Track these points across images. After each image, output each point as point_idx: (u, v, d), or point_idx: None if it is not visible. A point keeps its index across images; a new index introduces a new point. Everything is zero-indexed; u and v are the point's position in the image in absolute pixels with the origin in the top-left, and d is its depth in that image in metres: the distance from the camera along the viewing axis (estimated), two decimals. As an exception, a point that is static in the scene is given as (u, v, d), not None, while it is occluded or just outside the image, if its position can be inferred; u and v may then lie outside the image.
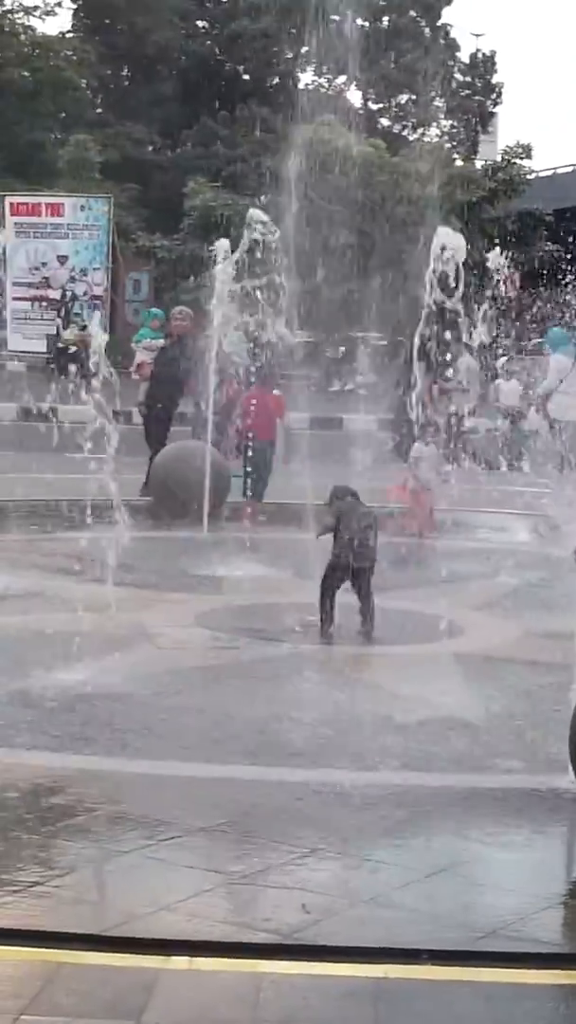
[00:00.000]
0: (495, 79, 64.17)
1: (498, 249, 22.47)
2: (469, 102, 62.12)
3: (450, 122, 62.73)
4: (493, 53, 64.22)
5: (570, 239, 43.10)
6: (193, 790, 6.14)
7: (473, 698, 7.81)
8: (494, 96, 63.79)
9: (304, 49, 58.87)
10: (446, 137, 61.10)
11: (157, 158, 54.74)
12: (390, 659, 8.89)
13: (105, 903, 4.88)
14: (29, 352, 41.17)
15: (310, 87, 61.09)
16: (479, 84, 63.39)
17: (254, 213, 14.61)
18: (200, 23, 60.49)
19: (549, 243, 44.43)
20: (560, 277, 35.49)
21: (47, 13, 56.72)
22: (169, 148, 55.72)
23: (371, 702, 7.66)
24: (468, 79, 63.45)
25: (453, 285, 13.08)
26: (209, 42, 59.57)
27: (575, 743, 5.90)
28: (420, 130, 60.36)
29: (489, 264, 19.96)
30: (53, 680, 7.62)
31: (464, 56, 64.01)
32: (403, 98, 62.44)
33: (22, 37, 54.16)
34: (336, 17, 60.25)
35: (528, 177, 46.30)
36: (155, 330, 19.54)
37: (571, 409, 20.81)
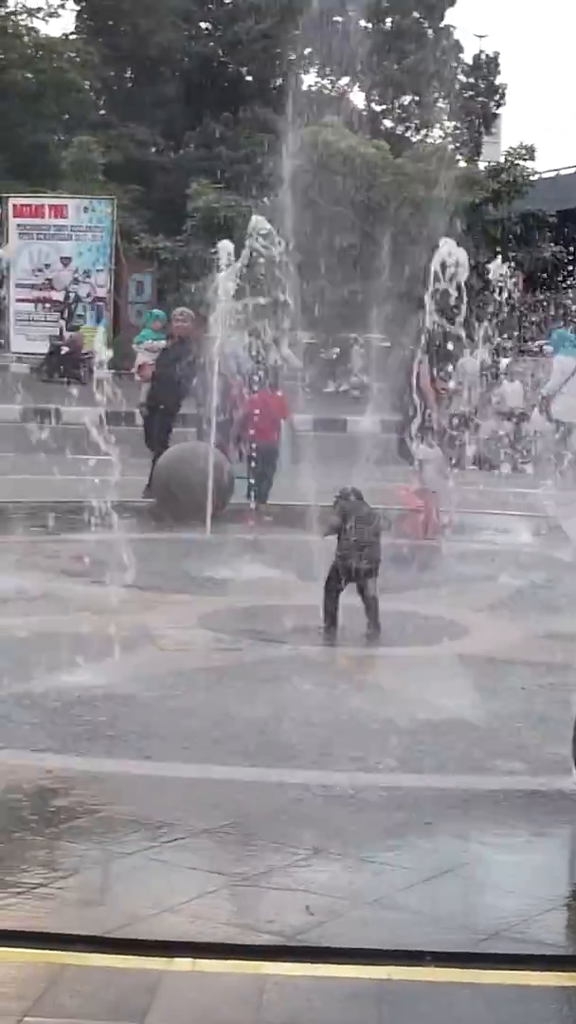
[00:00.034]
0: (498, 80, 64.17)
1: (500, 259, 22.56)
2: (472, 103, 62.06)
3: (453, 123, 62.68)
4: (496, 54, 64.20)
5: (573, 240, 43.18)
6: (196, 791, 6.15)
7: (476, 700, 7.81)
8: (497, 97, 63.77)
9: (307, 51, 58.93)
10: (449, 138, 61.08)
11: (160, 160, 54.73)
12: (393, 661, 8.89)
13: (108, 905, 4.88)
14: (32, 354, 41.20)
15: (313, 89, 61.15)
16: (482, 85, 63.36)
17: (257, 222, 14.60)
18: (203, 25, 60.49)
19: (552, 244, 44.43)
20: (563, 279, 35.53)
21: (50, 15, 56.77)
22: (172, 150, 55.71)
23: (374, 704, 7.66)
24: (471, 80, 63.41)
25: (455, 307, 13.14)
26: (212, 44, 59.56)
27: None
28: (423, 131, 60.34)
29: (491, 276, 20.04)
30: (56, 681, 7.63)
31: (467, 57, 64.01)
32: (406, 99, 62.42)
33: (25, 39, 54.18)
34: (339, 19, 60.34)
35: (531, 178, 46.30)
36: (156, 331, 19.54)
37: (574, 410, 20.85)
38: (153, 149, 55.77)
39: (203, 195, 43.76)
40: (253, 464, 14.85)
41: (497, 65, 64.05)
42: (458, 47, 62.99)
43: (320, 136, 42.70)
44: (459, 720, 7.31)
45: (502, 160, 48.74)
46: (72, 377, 35.83)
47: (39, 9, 56.27)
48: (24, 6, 55.87)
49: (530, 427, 22.78)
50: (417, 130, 60.96)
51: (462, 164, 51.37)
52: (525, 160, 46.89)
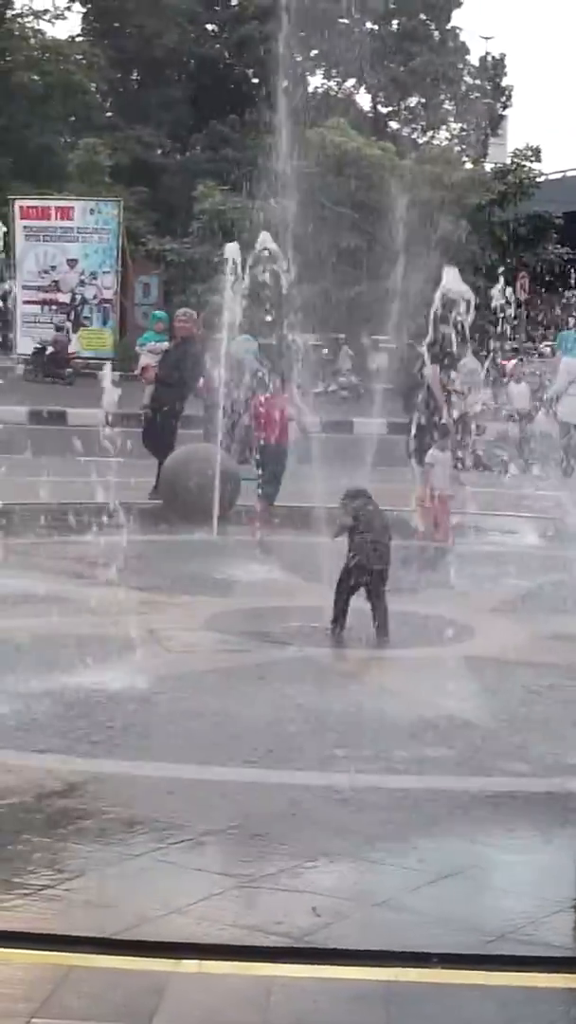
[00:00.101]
0: (505, 82, 64.23)
1: (502, 281, 22.71)
2: (478, 105, 62.12)
3: (459, 125, 62.75)
4: (503, 56, 64.32)
5: (579, 242, 43.15)
6: (203, 793, 6.15)
7: (483, 701, 7.80)
8: (504, 99, 63.82)
9: (313, 52, 58.96)
10: (455, 140, 61.13)
11: (166, 161, 54.81)
12: (400, 662, 8.88)
13: (115, 906, 4.88)
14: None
15: (319, 90, 61.20)
16: (488, 87, 63.41)
17: (264, 238, 14.58)
18: (209, 26, 60.58)
19: (559, 246, 44.41)
20: (570, 280, 35.49)
21: (57, 17, 57.02)
22: (178, 151, 55.79)
23: (381, 705, 7.65)
24: (477, 82, 63.47)
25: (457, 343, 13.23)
26: (218, 45, 59.65)
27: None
28: (430, 133, 60.40)
29: (493, 303, 20.14)
30: (62, 683, 7.63)
31: (474, 59, 64.08)
32: (412, 101, 62.48)
33: (32, 41, 54.30)
34: (345, 20, 60.36)
35: (537, 180, 46.29)
36: (159, 333, 19.54)
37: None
38: (159, 151, 55.85)
39: (209, 197, 43.79)
40: (261, 466, 14.84)
41: (503, 67, 64.13)
42: (464, 49, 63.04)
43: (327, 137, 42.74)
44: (466, 722, 7.31)
45: (508, 161, 48.74)
46: (56, 377, 35.86)
47: (45, 11, 56.56)
48: (30, 8, 56.10)
49: (535, 428, 22.76)
50: (423, 132, 61.01)
51: (468, 165, 51.38)
52: (531, 161, 46.94)
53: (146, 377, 17.68)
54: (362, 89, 64.09)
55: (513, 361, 25.48)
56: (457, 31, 62.91)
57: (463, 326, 12.95)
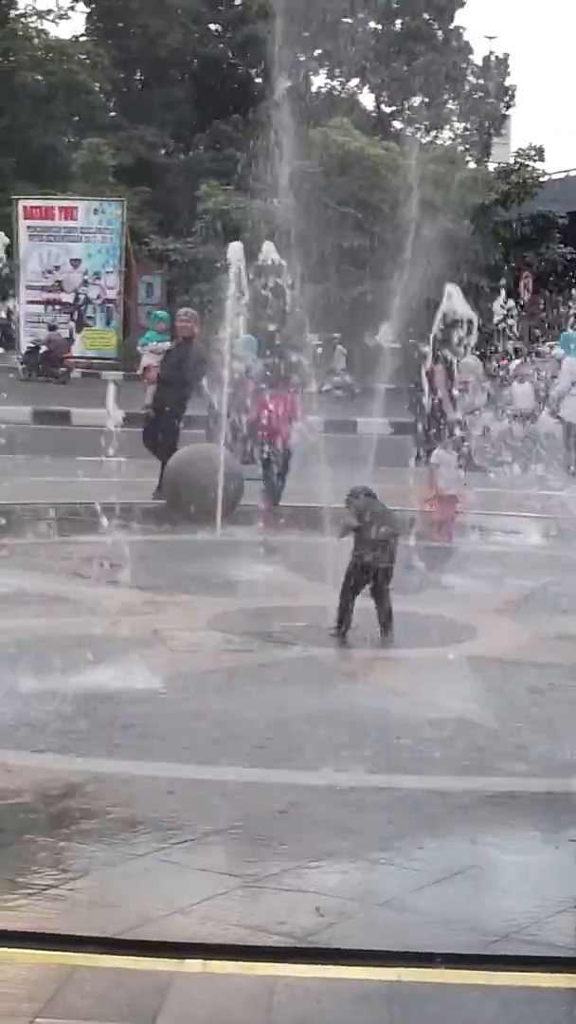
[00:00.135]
0: (508, 82, 64.16)
1: (504, 294, 22.86)
2: (482, 104, 62.09)
3: (463, 125, 62.72)
4: (506, 56, 64.25)
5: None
6: (206, 793, 6.15)
7: (486, 701, 7.80)
8: (507, 99, 63.75)
9: (317, 52, 58.94)
10: (459, 140, 61.11)
11: (170, 161, 54.81)
12: (404, 662, 8.89)
13: (119, 906, 4.88)
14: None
15: (323, 90, 61.18)
16: (492, 87, 63.34)
17: (267, 249, 14.61)
18: (212, 26, 60.59)
19: (562, 246, 44.39)
20: (574, 280, 35.50)
21: (60, 17, 57.00)
22: (182, 151, 55.79)
23: (384, 705, 7.65)
24: (481, 82, 63.42)
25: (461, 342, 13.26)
26: (222, 45, 59.66)
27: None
28: (433, 133, 60.38)
29: (495, 318, 20.24)
30: (66, 683, 7.62)
31: (477, 59, 64.04)
32: (416, 101, 62.44)
33: (35, 41, 54.31)
34: (349, 20, 60.32)
35: (541, 180, 46.27)
36: (160, 333, 19.56)
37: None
38: (163, 151, 55.86)
39: (213, 196, 43.79)
40: (265, 465, 14.86)
41: (507, 66, 64.05)
42: (468, 48, 63.00)
43: (330, 137, 42.73)
44: (469, 722, 7.31)
45: (512, 161, 48.73)
46: (50, 376, 35.85)
47: (49, 11, 56.56)
48: (34, 8, 56.11)
49: (539, 428, 22.77)
50: (427, 131, 60.99)
51: (472, 165, 51.37)
52: (535, 161, 46.92)
53: (148, 377, 17.69)
54: (365, 89, 64.09)
55: (516, 361, 25.47)
56: (460, 30, 62.88)
57: (465, 346, 13.02)
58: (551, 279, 41.84)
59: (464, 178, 44.87)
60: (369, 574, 9.15)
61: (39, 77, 51.84)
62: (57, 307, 41.43)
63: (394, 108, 63.66)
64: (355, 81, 63.64)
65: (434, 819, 5.88)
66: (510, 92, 64.06)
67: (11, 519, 12.33)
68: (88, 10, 58.31)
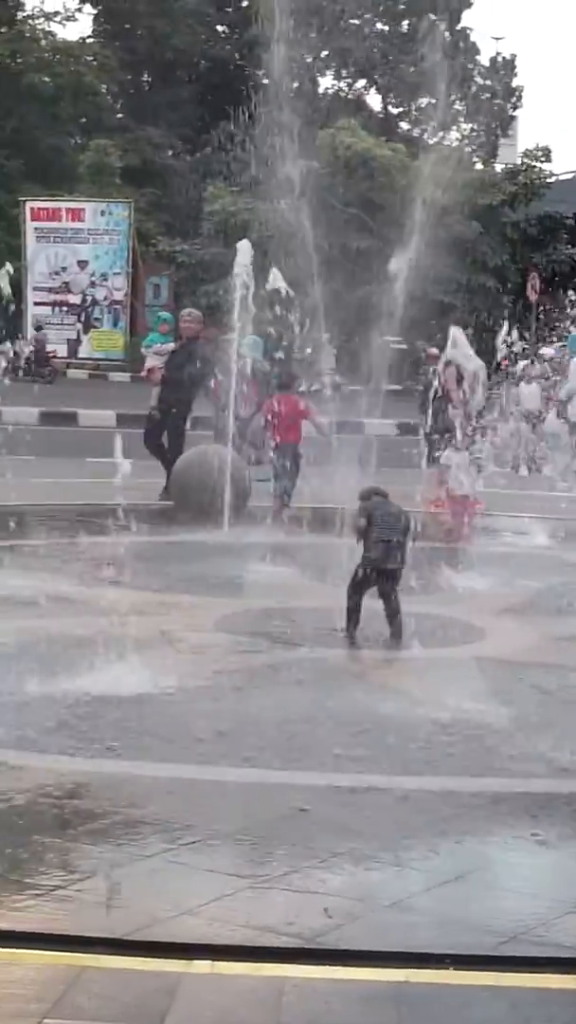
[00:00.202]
0: (515, 82, 64.13)
1: (507, 325, 22.95)
2: (489, 105, 62.07)
3: (470, 126, 62.70)
4: (513, 56, 64.21)
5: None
6: (213, 794, 6.15)
7: (494, 702, 7.79)
8: (514, 100, 63.73)
9: (324, 53, 58.93)
10: (466, 141, 61.09)
11: (177, 163, 54.84)
12: (411, 663, 8.87)
13: (127, 907, 4.88)
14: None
15: (330, 91, 61.17)
16: (499, 87, 63.33)
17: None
18: (219, 28, 60.61)
19: (569, 246, 44.40)
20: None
21: (67, 18, 57.03)
22: (189, 153, 55.83)
23: (392, 706, 7.64)
24: (488, 82, 63.39)
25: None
26: (228, 46, 59.68)
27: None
28: (440, 134, 60.37)
29: (500, 348, 20.31)
30: (73, 684, 7.63)
31: (484, 59, 64.00)
32: (423, 102, 62.42)
33: (43, 42, 54.36)
34: (356, 21, 60.32)
35: (548, 180, 46.29)
36: (164, 334, 19.57)
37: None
38: (170, 152, 55.88)
39: (220, 198, 43.83)
40: (274, 466, 14.87)
41: (514, 67, 64.03)
42: (475, 49, 63.00)
43: (337, 138, 42.75)
44: (476, 722, 7.30)
45: (519, 162, 48.74)
46: (37, 376, 35.87)
47: (56, 13, 56.54)
48: (41, 10, 56.19)
49: (546, 429, 22.78)
50: (434, 132, 60.98)
51: (479, 166, 51.39)
52: (542, 162, 46.92)
53: (153, 379, 17.67)
54: (372, 90, 64.08)
55: (523, 362, 25.47)
56: (468, 32, 62.87)
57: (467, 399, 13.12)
58: (556, 279, 41.87)
59: (471, 179, 44.89)
60: (377, 575, 9.14)
61: (46, 79, 51.91)
62: (64, 308, 41.49)
63: (401, 109, 63.66)
64: (362, 82, 63.64)
65: (442, 820, 5.87)
66: (517, 93, 64.04)
67: (19, 520, 12.34)
68: (95, 12, 58.37)
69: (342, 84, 63.41)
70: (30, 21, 55.80)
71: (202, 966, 4.47)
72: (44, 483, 16.04)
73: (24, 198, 42.92)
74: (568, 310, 31.23)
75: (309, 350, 31.30)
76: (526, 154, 48.27)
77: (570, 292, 33.10)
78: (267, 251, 20.93)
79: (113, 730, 7.00)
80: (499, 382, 22.92)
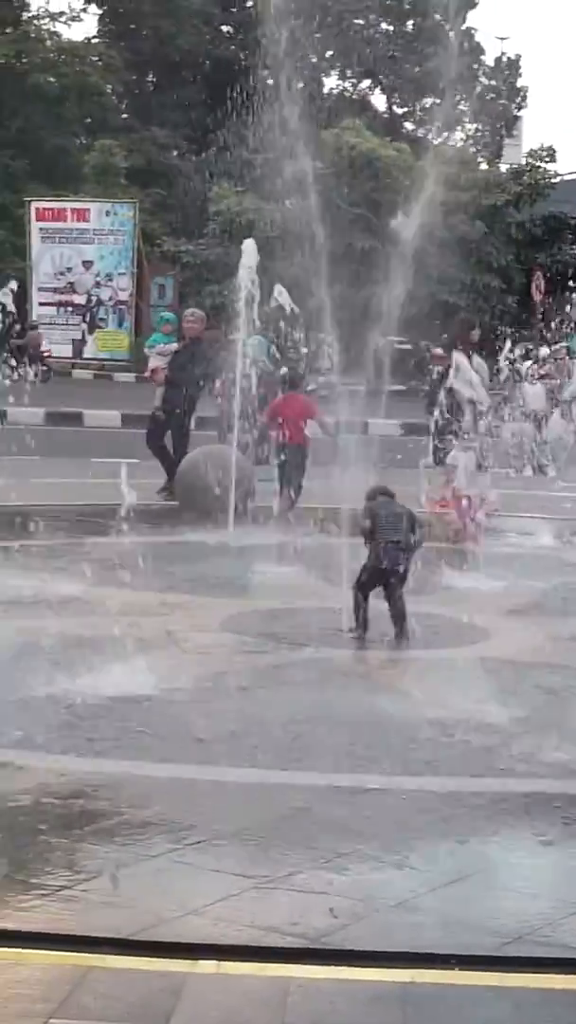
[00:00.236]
0: (520, 83, 64.15)
1: (510, 343, 22.99)
2: (493, 106, 62.09)
3: (475, 126, 62.72)
4: (518, 57, 64.26)
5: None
6: (219, 794, 6.16)
7: (499, 702, 7.79)
8: (519, 100, 63.75)
9: (329, 53, 58.92)
10: (471, 141, 61.10)
11: (182, 163, 54.85)
12: (416, 664, 8.88)
13: (133, 907, 4.89)
14: (55, 357, 41.30)
15: (335, 91, 61.18)
16: (503, 88, 63.35)
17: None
18: (224, 28, 60.61)
19: (574, 246, 44.38)
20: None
21: (72, 19, 57.04)
22: (194, 153, 55.84)
23: (396, 706, 7.65)
24: (493, 83, 63.42)
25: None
26: (233, 47, 59.66)
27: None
28: (445, 134, 60.38)
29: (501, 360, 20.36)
30: (78, 685, 7.64)
31: (489, 60, 64.04)
32: (427, 102, 62.46)
33: (48, 43, 54.39)
34: (360, 21, 60.30)
35: (553, 180, 46.28)
36: (167, 334, 19.59)
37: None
38: (175, 152, 55.88)
39: (225, 198, 43.84)
40: (281, 466, 14.88)
41: (518, 67, 64.06)
42: (479, 49, 63.02)
43: (342, 138, 42.75)
44: (481, 723, 7.30)
45: (523, 162, 48.74)
46: (33, 373, 35.77)
47: (61, 13, 56.60)
48: (46, 10, 56.12)
49: (551, 429, 22.76)
50: (438, 132, 61.01)
51: (483, 166, 51.38)
52: (546, 162, 46.91)
53: (156, 379, 17.69)
54: (377, 90, 64.09)
55: (528, 362, 25.45)
56: (472, 32, 62.92)
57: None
58: (559, 280, 41.85)
59: (476, 179, 44.89)
60: (382, 575, 9.14)
61: (51, 79, 51.91)
62: (69, 309, 41.50)
63: (406, 109, 63.67)
64: (367, 82, 63.65)
65: (447, 820, 5.88)
66: (522, 93, 64.06)
67: (24, 520, 12.35)
68: (100, 12, 58.38)
69: (347, 84, 63.43)
70: (35, 21, 55.83)
71: (207, 966, 4.47)
72: (49, 483, 16.06)
73: (29, 198, 42.93)
74: (570, 310, 31.22)
75: (305, 350, 31.37)
76: (531, 154, 48.27)
77: (575, 294, 33.07)
78: (272, 251, 20.94)
79: (118, 730, 7.01)
80: (504, 381, 22.91)
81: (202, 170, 51.81)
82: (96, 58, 54.96)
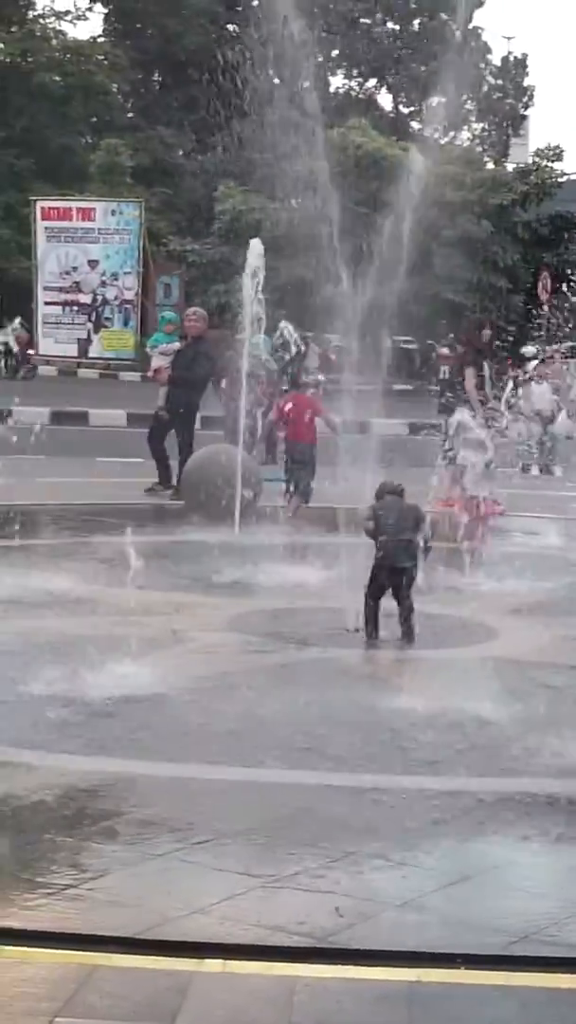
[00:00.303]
0: (526, 82, 64.12)
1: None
2: (500, 105, 62.07)
3: (481, 125, 62.70)
4: (524, 56, 64.22)
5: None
6: (225, 793, 6.16)
7: (505, 702, 7.78)
8: (525, 99, 63.72)
9: (335, 52, 58.90)
10: (477, 140, 61.08)
11: (188, 162, 54.83)
12: (423, 663, 8.87)
13: (138, 906, 4.89)
14: (61, 356, 41.31)
15: (341, 90, 61.16)
16: (510, 87, 63.32)
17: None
18: (230, 27, 60.55)
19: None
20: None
21: (78, 18, 57.01)
22: (200, 152, 55.82)
23: (403, 706, 7.64)
24: (499, 82, 63.39)
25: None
26: (239, 46, 59.61)
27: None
28: (451, 133, 60.37)
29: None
30: (84, 684, 7.64)
31: (495, 59, 64.01)
32: (434, 101, 62.40)
33: (53, 42, 54.35)
34: (367, 20, 60.28)
35: (559, 180, 46.23)
36: (168, 334, 19.59)
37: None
38: (181, 152, 55.84)
39: (231, 197, 43.82)
40: (289, 465, 14.88)
41: (525, 66, 64.02)
42: (486, 49, 62.99)
43: (348, 138, 42.73)
44: (488, 723, 7.30)
45: (530, 161, 48.69)
46: (13, 373, 35.69)
47: (67, 12, 56.53)
48: (52, 9, 56.19)
49: (557, 429, 22.76)
50: (445, 132, 60.98)
51: (490, 166, 51.34)
52: (553, 161, 46.83)
53: (159, 379, 17.69)
54: (383, 89, 64.07)
55: (534, 362, 25.45)
56: (479, 31, 62.88)
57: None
58: (569, 279, 41.80)
59: (482, 179, 44.86)
60: (389, 574, 9.11)
61: (57, 78, 51.90)
62: (75, 308, 41.49)
63: (412, 109, 63.65)
64: (373, 81, 63.64)
65: (452, 819, 5.87)
66: (528, 92, 64.03)
67: (30, 520, 12.35)
68: (106, 11, 58.36)
69: (353, 83, 63.42)
70: (41, 20, 55.82)
71: (213, 965, 4.47)
72: (55, 482, 16.07)
73: (35, 197, 42.90)
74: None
75: (295, 349, 31.36)
76: (537, 153, 48.20)
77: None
78: (278, 250, 20.94)
79: (123, 729, 7.01)
80: (511, 379, 22.93)
81: (208, 169, 51.80)
82: (102, 57, 54.90)
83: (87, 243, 41.50)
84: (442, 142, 55.76)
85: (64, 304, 41.56)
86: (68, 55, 53.47)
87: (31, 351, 38.04)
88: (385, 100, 64.02)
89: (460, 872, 5.29)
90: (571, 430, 22.08)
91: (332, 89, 59.63)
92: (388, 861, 5.39)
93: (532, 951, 4.63)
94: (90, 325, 41.42)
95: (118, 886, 5.06)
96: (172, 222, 47.74)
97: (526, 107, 64.07)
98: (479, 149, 58.02)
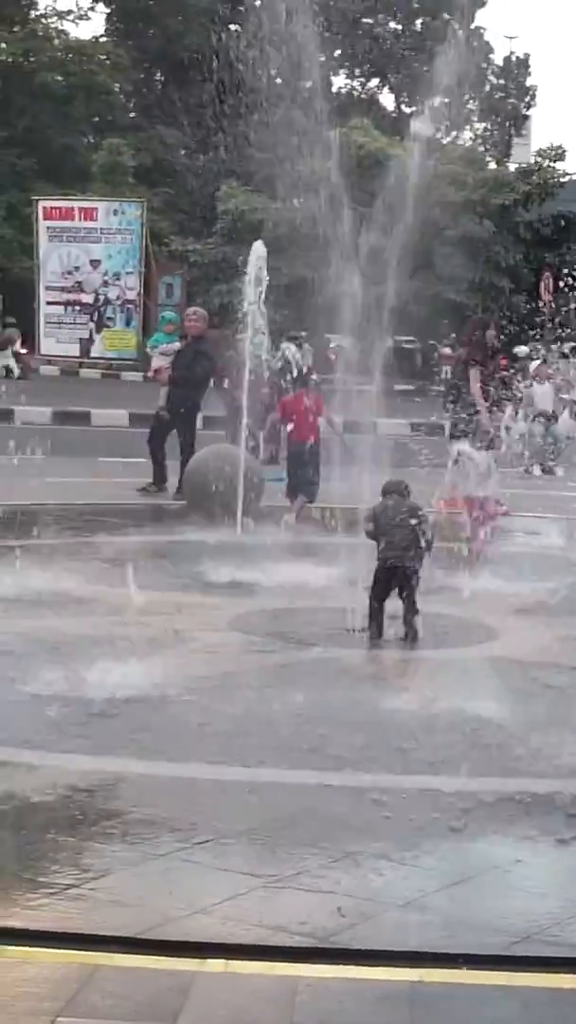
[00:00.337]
0: (528, 82, 64.12)
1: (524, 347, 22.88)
2: (502, 105, 62.06)
3: (483, 125, 62.70)
4: (527, 56, 64.21)
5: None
6: (227, 793, 6.16)
7: (507, 702, 7.78)
8: (527, 99, 63.71)
9: (337, 52, 58.89)
10: (479, 140, 61.08)
11: (190, 162, 54.83)
12: (426, 663, 8.87)
13: (140, 906, 4.89)
14: (63, 356, 41.33)
15: (343, 90, 61.16)
16: (512, 87, 63.32)
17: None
18: (232, 27, 60.55)
19: (584, 246, 44.32)
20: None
21: (80, 17, 57.04)
22: (202, 152, 55.82)
23: (405, 706, 7.64)
24: (501, 82, 63.39)
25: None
26: (242, 46, 59.60)
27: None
28: (453, 133, 60.38)
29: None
30: (85, 684, 7.64)
31: (498, 59, 64.01)
32: (436, 101, 62.36)
33: (55, 42, 54.38)
34: (369, 20, 60.27)
35: (562, 180, 46.24)
36: (169, 334, 19.58)
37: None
38: (183, 151, 55.85)
39: (233, 197, 43.83)
40: (293, 465, 14.88)
41: (527, 66, 64.03)
42: (488, 49, 63.00)
43: (350, 137, 42.74)
44: (489, 722, 7.29)
45: (532, 161, 48.69)
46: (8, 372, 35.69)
47: (69, 12, 56.56)
48: (54, 9, 56.15)
49: (559, 429, 22.76)
50: (447, 132, 60.99)
51: (492, 165, 51.36)
52: (555, 161, 46.85)
53: (160, 379, 17.69)
54: (385, 89, 64.07)
55: (536, 362, 25.44)
56: (481, 31, 62.89)
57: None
58: (571, 280, 41.79)
59: (484, 178, 44.86)
60: (391, 574, 9.11)
61: (59, 78, 51.92)
62: (77, 308, 41.50)
63: (414, 108, 63.61)
64: (375, 81, 63.64)
65: (454, 819, 5.86)
66: (530, 92, 64.02)
67: (33, 519, 12.35)
68: (108, 11, 58.37)
69: (355, 83, 63.41)
70: (43, 20, 55.83)
71: (215, 965, 4.47)
72: (57, 482, 16.06)
73: (37, 197, 42.91)
74: None
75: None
76: (540, 153, 48.21)
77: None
78: (280, 250, 20.95)
79: (125, 729, 7.00)
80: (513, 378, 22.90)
81: (210, 169, 51.80)
82: (104, 57, 54.92)
83: (89, 243, 41.51)
84: (444, 142, 55.80)
85: (66, 304, 41.57)
86: (70, 55, 53.49)
87: (23, 350, 38.04)
88: (387, 100, 64.07)
89: (462, 872, 5.29)
90: (572, 430, 22.07)
91: (334, 89, 59.64)
92: (390, 861, 5.39)
93: (534, 951, 4.62)
94: (92, 325, 41.43)
95: (120, 886, 5.06)
96: (174, 222, 47.74)
97: (528, 107, 64.08)
98: (481, 149, 58.04)
